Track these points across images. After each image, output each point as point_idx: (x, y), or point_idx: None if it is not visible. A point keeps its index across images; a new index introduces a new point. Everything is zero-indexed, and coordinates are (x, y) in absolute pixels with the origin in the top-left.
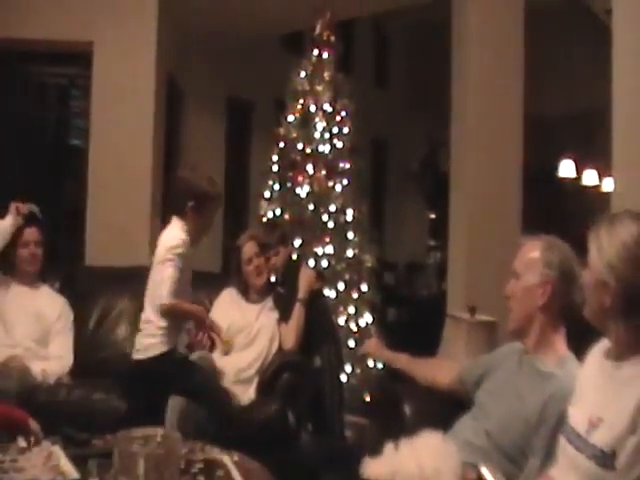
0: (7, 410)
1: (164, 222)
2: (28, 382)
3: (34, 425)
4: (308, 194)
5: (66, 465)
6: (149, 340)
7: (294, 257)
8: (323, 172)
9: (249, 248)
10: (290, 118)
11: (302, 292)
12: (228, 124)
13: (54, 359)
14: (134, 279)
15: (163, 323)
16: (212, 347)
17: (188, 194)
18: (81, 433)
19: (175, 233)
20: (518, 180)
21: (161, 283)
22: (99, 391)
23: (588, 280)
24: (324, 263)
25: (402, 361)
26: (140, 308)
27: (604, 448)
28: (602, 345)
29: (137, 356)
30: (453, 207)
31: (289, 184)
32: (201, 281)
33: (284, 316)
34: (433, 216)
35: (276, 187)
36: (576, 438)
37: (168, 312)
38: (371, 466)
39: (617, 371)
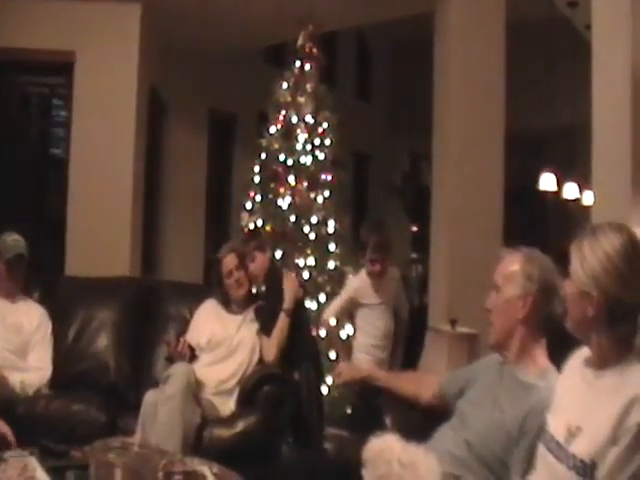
0: None
1: (149, 233)
2: (6, 394)
3: (3, 428)
4: (290, 206)
5: (42, 476)
6: None
7: (274, 264)
8: (305, 184)
9: (229, 261)
10: (272, 130)
11: (288, 302)
12: (210, 136)
13: (33, 370)
14: (114, 290)
15: None
16: (192, 358)
17: None
18: (60, 445)
19: None
20: (499, 194)
21: None
22: (78, 403)
23: (570, 291)
24: (305, 275)
25: (381, 378)
26: (121, 319)
27: (584, 458)
28: (582, 353)
29: None
30: (434, 220)
31: (271, 196)
32: (183, 292)
33: (265, 327)
34: (415, 229)
35: (258, 199)
36: (556, 447)
37: None
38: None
39: (598, 380)
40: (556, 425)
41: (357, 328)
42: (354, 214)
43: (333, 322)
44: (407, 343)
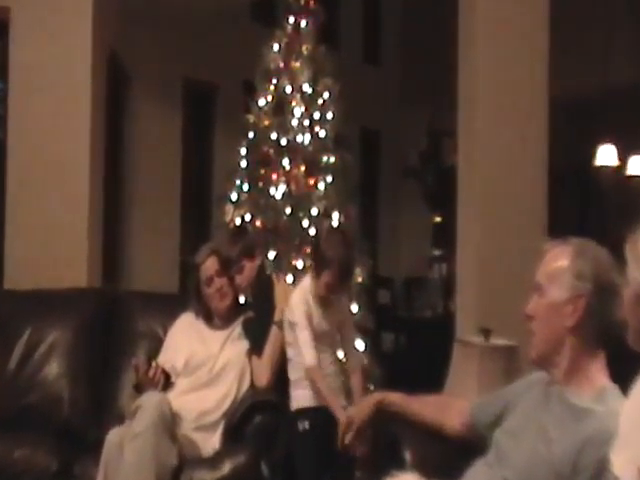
0: None
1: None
2: None
3: None
4: (284, 195)
5: None
6: None
7: (263, 267)
8: (302, 168)
9: (209, 266)
10: (261, 102)
11: (280, 313)
12: (185, 112)
13: None
14: (68, 304)
15: None
16: (167, 385)
17: None
18: None
19: None
20: (542, 174)
21: None
22: (23, 446)
23: (627, 297)
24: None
25: (397, 403)
26: (76, 340)
27: None
28: None
29: None
30: (461, 209)
31: (261, 183)
32: (154, 304)
33: (256, 346)
34: (437, 220)
35: (245, 187)
36: None
37: None
38: None
39: None
40: (623, 465)
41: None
42: (363, 203)
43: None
44: (430, 359)
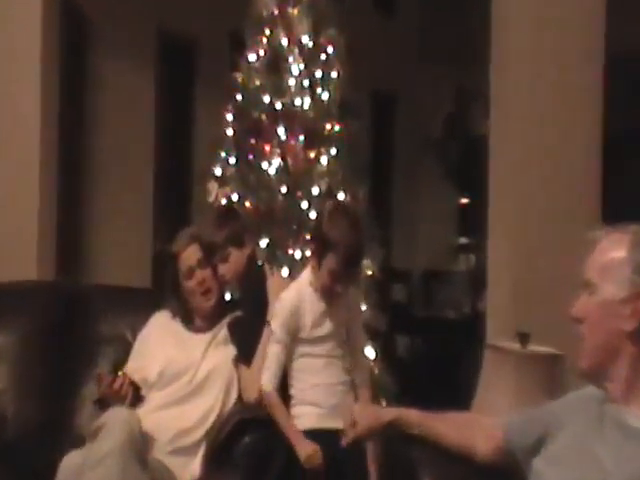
0: None
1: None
2: None
3: None
4: (279, 171)
5: None
6: None
7: (253, 257)
8: (301, 138)
9: (190, 255)
10: (251, 58)
11: (272, 312)
12: (160, 70)
13: None
14: (15, 302)
15: None
16: (137, 400)
17: None
18: None
19: None
20: (595, 145)
21: None
22: None
23: None
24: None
25: (416, 422)
26: (25, 346)
27: None
28: None
29: None
30: (494, 188)
31: (251, 157)
32: (122, 301)
33: (245, 352)
34: (464, 202)
35: (232, 161)
36: None
37: None
38: None
39: None
40: None
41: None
42: (374, 182)
43: None
44: (454, 368)
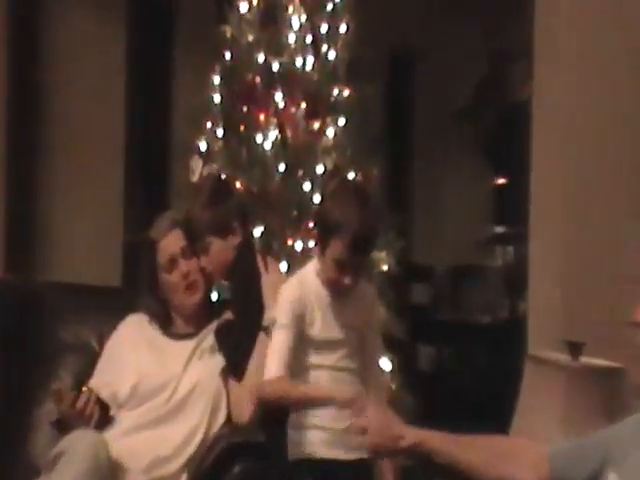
0: None
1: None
2: None
3: None
4: (276, 145)
5: None
6: None
7: (248, 246)
8: (302, 106)
9: (171, 242)
10: (243, 8)
11: (270, 314)
12: (132, 25)
13: None
14: None
15: None
16: (104, 421)
17: None
18: None
19: None
20: None
21: None
22: None
23: None
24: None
25: (441, 448)
26: None
27: None
28: None
29: None
30: (538, 166)
31: (242, 128)
32: (86, 302)
33: (235, 363)
34: (500, 183)
35: (219, 133)
36: None
37: None
38: None
39: None
40: None
41: None
42: (391, 158)
43: None
44: (488, 383)
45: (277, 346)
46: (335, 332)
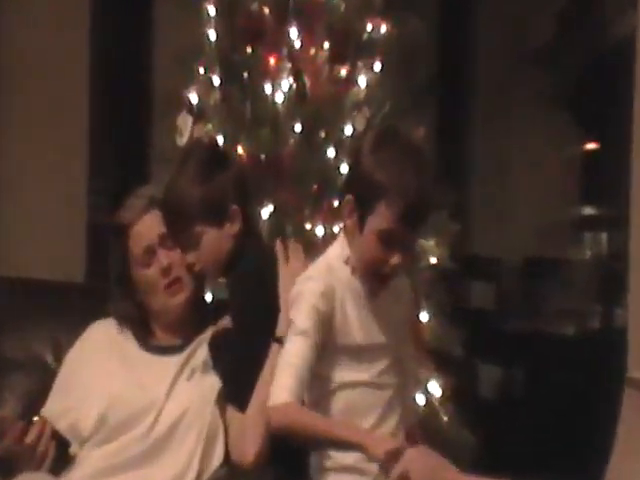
0: None
1: None
2: None
3: None
4: (290, 98)
5: None
6: None
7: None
8: (326, 46)
9: (148, 227)
10: None
11: (286, 319)
12: None
13: None
14: None
15: None
16: (61, 461)
17: None
18: None
19: None
20: None
21: None
22: None
23: None
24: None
25: None
26: None
27: None
28: None
29: None
30: None
31: (245, 75)
32: (40, 304)
33: (236, 385)
34: (590, 148)
35: (215, 82)
36: None
37: None
38: None
39: None
40: None
41: None
42: (443, 115)
43: None
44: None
45: (291, 359)
46: (376, 336)
